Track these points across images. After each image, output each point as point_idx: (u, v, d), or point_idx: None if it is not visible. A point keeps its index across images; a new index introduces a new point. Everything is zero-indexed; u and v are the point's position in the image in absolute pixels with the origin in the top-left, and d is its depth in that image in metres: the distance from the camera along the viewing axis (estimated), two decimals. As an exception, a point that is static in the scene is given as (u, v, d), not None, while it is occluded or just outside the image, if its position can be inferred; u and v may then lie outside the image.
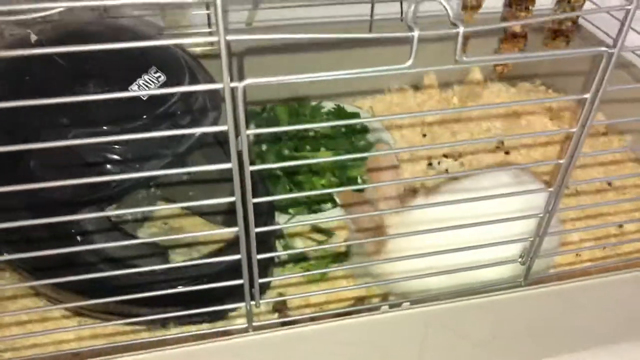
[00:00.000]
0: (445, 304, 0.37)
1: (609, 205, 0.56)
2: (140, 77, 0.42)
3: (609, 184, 0.59)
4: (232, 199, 0.28)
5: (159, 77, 0.42)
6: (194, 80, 0.43)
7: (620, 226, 0.56)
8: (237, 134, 0.26)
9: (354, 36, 0.27)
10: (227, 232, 0.29)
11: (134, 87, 0.41)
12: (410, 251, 0.38)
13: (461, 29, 0.26)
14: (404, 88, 0.72)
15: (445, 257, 0.36)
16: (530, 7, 0.45)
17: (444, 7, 0.26)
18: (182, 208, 0.56)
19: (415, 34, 0.26)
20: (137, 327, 0.44)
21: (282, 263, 0.51)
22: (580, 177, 0.59)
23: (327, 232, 0.55)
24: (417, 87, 0.73)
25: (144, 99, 0.41)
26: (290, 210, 0.56)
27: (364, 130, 0.65)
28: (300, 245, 0.53)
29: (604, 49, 0.27)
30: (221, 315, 0.46)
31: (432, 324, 0.38)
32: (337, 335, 0.37)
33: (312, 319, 0.36)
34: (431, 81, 0.72)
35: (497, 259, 0.38)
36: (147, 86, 0.41)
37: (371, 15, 0.68)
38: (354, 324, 0.36)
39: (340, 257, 0.51)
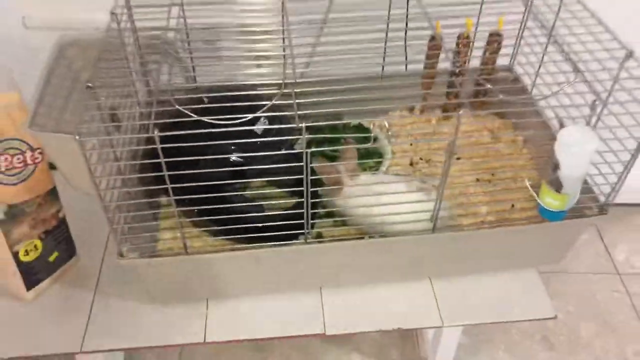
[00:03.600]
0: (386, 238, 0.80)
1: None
2: (259, 121, 0.85)
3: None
4: (302, 176, 0.71)
5: (265, 122, 0.85)
6: (283, 122, 0.87)
7: (513, 205, 0.97)
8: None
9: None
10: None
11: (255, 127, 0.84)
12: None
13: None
14: (403, 112, 1.14)
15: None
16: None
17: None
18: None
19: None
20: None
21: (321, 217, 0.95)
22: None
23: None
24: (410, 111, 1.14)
25: (259, 133, 0.85)
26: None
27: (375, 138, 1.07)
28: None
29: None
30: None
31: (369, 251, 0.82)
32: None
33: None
34: (420, 107, 1.13)
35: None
36: (261, 124, 0.85)
37: (382, 69, 1.09)
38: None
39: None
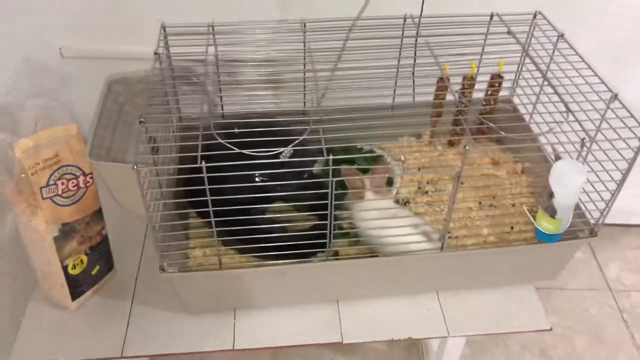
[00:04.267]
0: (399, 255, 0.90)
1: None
2: (284, 151, 0.95)
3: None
4: (327, 201, 0.81)
5: (290, 151, 0.95)
6: (306, 152, 0.96)
7: (512, 227, 1.06)
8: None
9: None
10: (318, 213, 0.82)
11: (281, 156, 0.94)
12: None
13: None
14: (410, 139, 1.24)
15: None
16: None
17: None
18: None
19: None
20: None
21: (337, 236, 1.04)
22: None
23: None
24: (417, 138, 1.24)
25: (285, 161, 0.94)
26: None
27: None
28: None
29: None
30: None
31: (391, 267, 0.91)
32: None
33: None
34: (426, 135, 1.23)
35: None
36: (285, 155, 0.94)
37: (393, 100, 1.19)
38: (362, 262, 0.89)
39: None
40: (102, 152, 0.84)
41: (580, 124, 0.80)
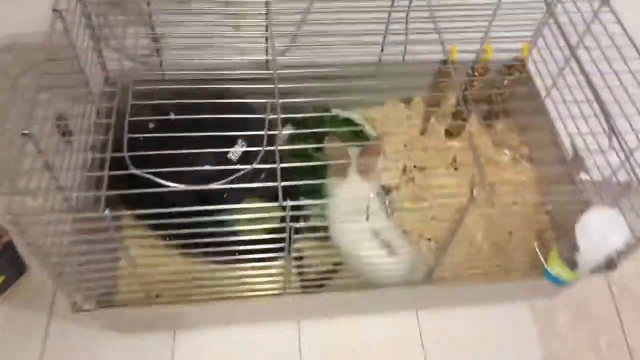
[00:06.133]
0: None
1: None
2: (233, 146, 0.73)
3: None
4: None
5: (243, 145, 0.73)
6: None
7: (510, 233, 0.89)
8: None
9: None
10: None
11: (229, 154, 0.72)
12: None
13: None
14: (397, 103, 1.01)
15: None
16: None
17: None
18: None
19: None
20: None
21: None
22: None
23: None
24: (407, 103, 1.01)
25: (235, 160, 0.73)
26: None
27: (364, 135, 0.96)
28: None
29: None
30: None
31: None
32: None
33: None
34: (418, 100, 1.00)
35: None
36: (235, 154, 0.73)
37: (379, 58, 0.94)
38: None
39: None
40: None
41: (628, 153, 0.59)
